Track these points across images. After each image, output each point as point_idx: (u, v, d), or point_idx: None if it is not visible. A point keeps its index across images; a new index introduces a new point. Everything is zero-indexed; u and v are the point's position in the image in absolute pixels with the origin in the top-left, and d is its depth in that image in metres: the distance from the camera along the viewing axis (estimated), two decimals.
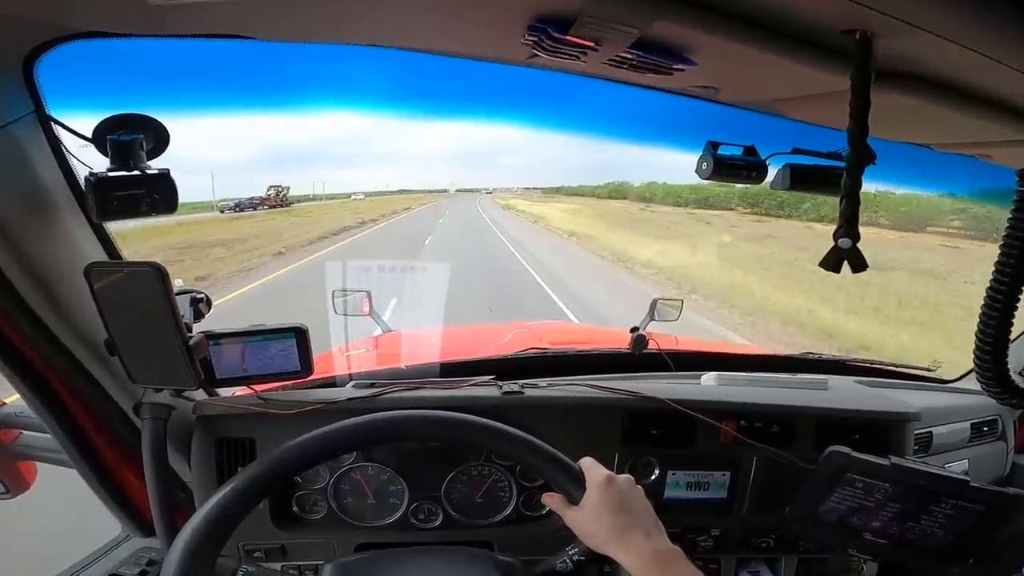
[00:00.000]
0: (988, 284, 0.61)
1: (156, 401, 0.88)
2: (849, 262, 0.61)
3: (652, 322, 2.19)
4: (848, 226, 0.59)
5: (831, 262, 0.61)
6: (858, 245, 0.61)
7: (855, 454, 0.95)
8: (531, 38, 0.63)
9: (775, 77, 0.75)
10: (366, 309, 1.88)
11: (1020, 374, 1.45)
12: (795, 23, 0.60)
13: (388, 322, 1.97)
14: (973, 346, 0.69)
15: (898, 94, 0.72)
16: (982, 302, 0.62)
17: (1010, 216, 0.58)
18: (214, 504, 0.67)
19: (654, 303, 2.21)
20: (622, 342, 1.39)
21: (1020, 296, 0.59)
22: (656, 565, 0.64)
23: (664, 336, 2.08)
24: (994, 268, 0.61)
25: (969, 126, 0.84)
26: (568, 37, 0.61)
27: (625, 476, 0.74)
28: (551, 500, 0.76)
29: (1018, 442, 1.53)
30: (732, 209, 22.61)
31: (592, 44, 0.62)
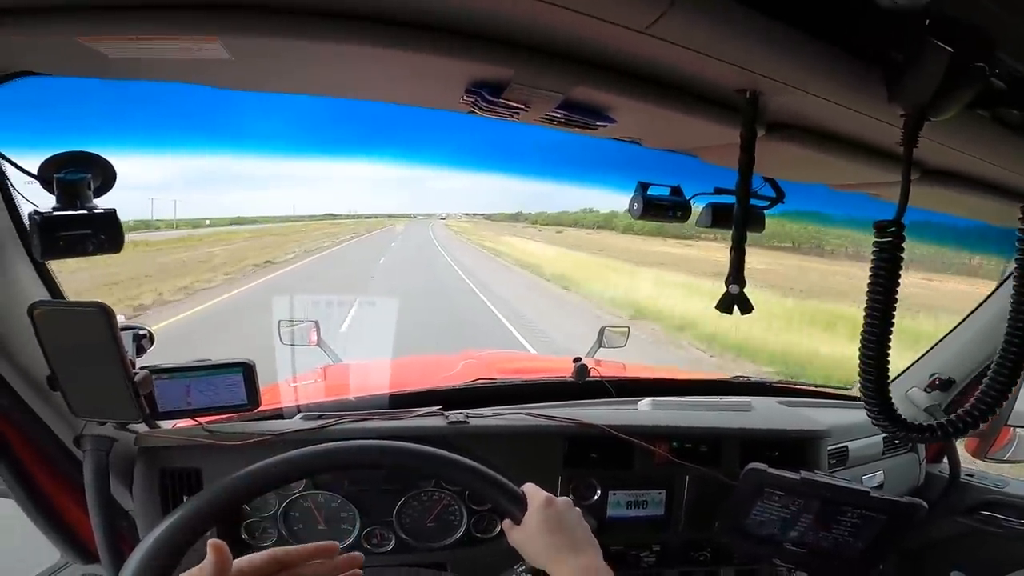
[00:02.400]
0: (861, 329, 0.66)
1: (97, 433, 0.88)
2: (738, 306, 0.67)
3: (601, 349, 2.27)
4: (736, 274, 0.66)
5: (724, 305, 0.67)
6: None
7: (770, 470, 1.03)
8: (468, 99, 0.69)
9: (687, 130, 0.84)
10: (314, 339, 1.86)
11: (925, 390, 1.59)
12: (698, 84, 0.68)
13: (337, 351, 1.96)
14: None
15: (789, 143, 0.81)
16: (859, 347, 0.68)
17: (872, 261, 0.65)
18: (161, 532, 0.68)
19: (602, 331, 2.30)
20: (568, 370, 1.43)
21: (891, 336, 0.65)
22: None
23: (611, 363, 2.16)
24: (864, 311, 0.62)
25: (852, 169, 0.94)
26: (501, 99, 0.68)
27: (564, 498, 0.79)
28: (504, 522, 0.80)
29: (930, 453, 1.65)
30: None
31: (522, 106, 0.70)
